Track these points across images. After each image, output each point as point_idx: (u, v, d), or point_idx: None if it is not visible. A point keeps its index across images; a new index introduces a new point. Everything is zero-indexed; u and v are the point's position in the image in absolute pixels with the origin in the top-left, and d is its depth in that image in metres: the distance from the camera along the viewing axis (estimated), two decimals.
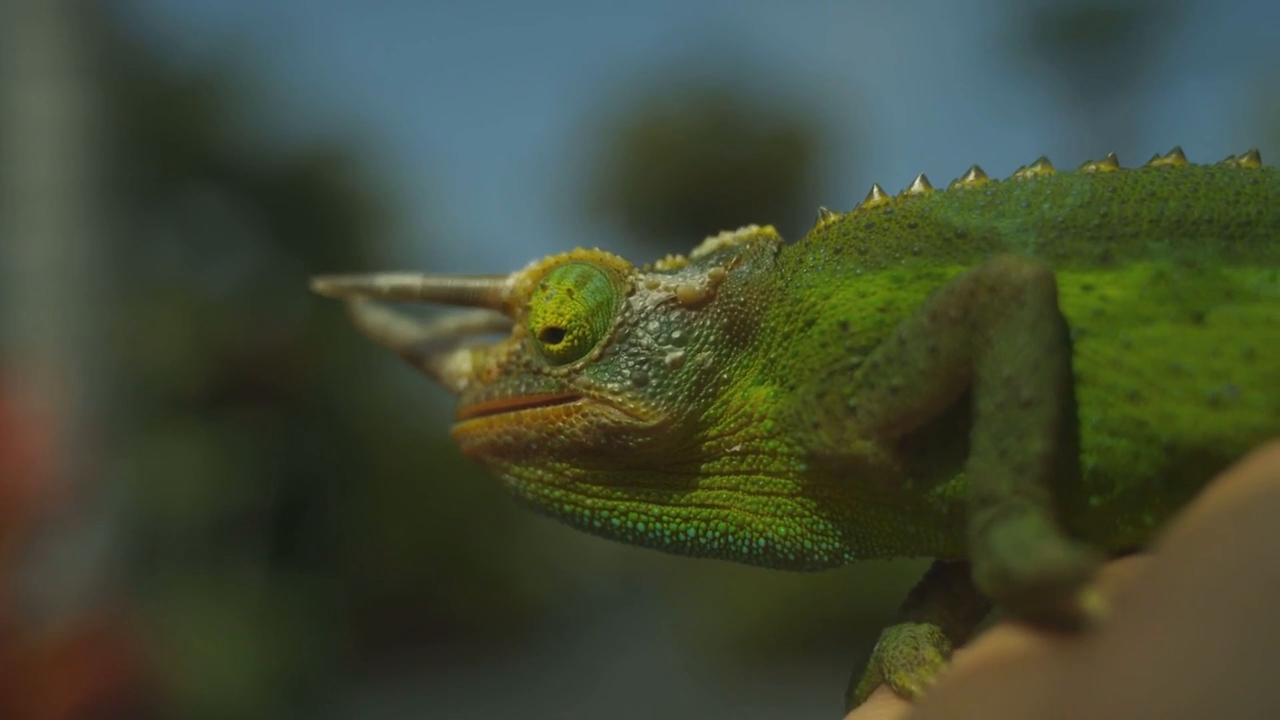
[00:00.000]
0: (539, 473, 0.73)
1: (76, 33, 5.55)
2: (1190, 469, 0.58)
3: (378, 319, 0.82)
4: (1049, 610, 0.51)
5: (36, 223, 5.42)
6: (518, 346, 0.74)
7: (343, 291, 0.81)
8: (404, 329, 0.81)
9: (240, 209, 10.56)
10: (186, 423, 7.93)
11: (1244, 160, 0.66)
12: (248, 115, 10.65)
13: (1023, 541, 0.54)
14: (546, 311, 0.72)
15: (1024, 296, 0.57)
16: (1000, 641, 0.51)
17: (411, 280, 0.78)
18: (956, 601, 0.67)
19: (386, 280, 0.79)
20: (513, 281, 0.75)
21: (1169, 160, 0.67)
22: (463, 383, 0.77)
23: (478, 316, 0.82)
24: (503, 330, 0.81)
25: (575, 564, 16.34)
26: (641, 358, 0.71)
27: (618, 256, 0.74)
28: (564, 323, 0.71)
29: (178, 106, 9.59)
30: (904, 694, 0.61)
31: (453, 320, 0.82)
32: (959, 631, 0.68)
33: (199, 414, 8.23)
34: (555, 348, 0.72)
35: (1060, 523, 0.56)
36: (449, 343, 0.80)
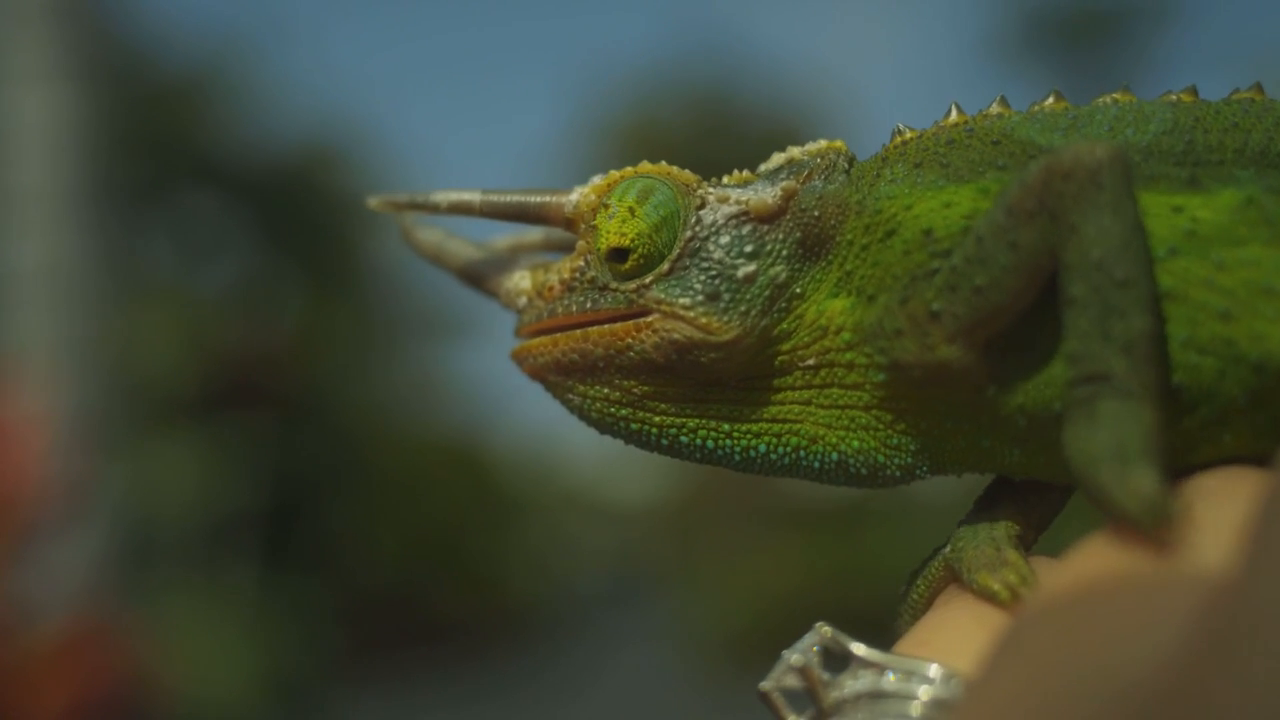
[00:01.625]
0: (605, 391, 0.71)
1: (68, 35, 5.54)
2: (1275, 389, 0.59)
3: (431, 236, 0.79)
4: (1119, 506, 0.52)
5: (28, 225, 5.41)
6: (581, 263, 0.72)
7: (397, 207, 0.78)
8: (458, 246, 0.78)
9: (233, 210, 10.55)
10: (179, 425, 7.92)
11: None
12: (240, 117, 10.64)
13: (1126, 446, 0.54)
14: (609, 231, 0.71)
15: (1101, 178, 0.56)
16: (1123, 555, 0.50)
17: (470, 196, 0.76)
18: (1028, 509, 0.66)
19: (444, 196, 0.76)
20: (576, 197, 0.73)
21: (1249, 94, 0.67)
22: (523, 300, 0.74)
23: (533, 234, 0.79)
24: (558, 249, 0.79)
25: (568, 564, 16.34)
26: (713, 272, 0.69)
27: (685, 170, 0.73)
28: (628, 241, 0.70)
29: (170, 108, 9.58)
30: (987, 595, 0.59)
31: (506, 239, 0.80)
32: (1029, 538, 0.67)
33: (192, 416, 8.23)
34: (622, 267, 0.70)
35: (1162, 427, 0.56)
36: (505, 261, 0.78)
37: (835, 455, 0.69)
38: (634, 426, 0.71)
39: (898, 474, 0.68)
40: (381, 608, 10.62)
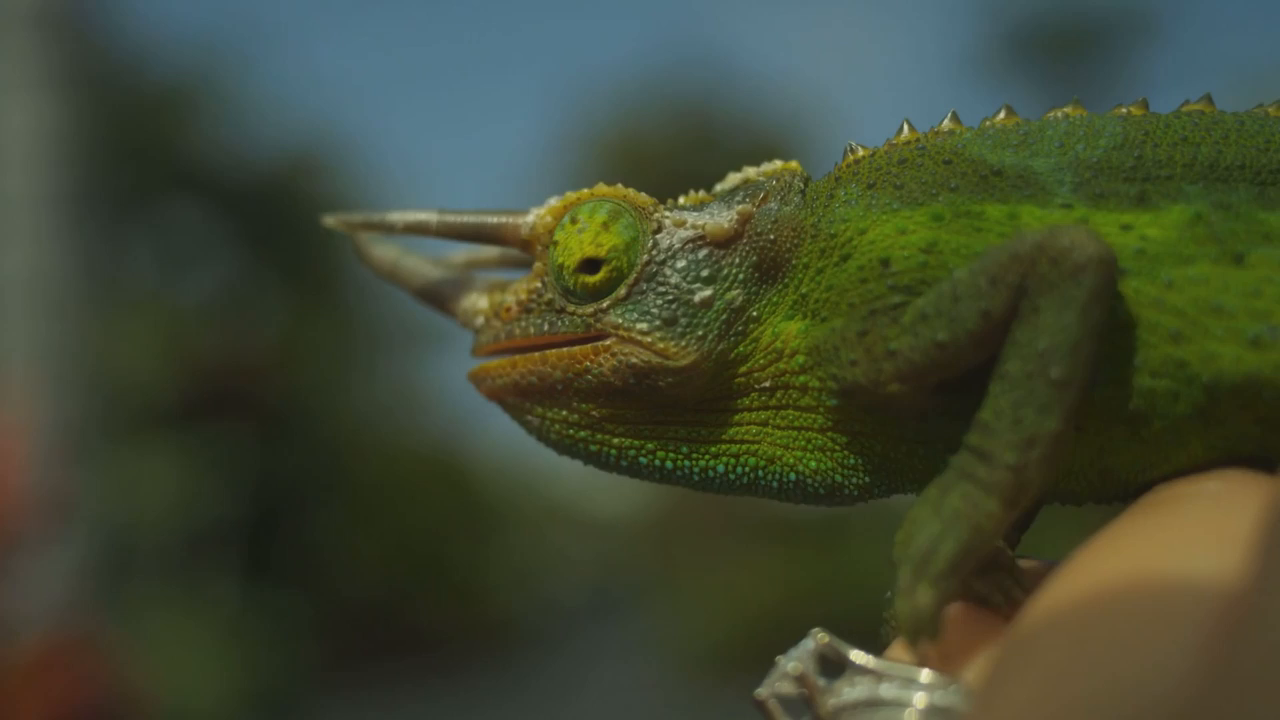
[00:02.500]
0: (564, 413, 0.71)
1: (52, 45, 5.53)
2: (1226, 409, 0.59)
3: (386, 253, 0.79)
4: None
5: (10, 234, 5.39)
6: (539, 284, 0.72)
7: (353, 227, 0.78)
8: (414, 264, 0.78)
9: (215, 220, 10.52)
10: (159, 435, 7.88)
11: (1272, 109, 0.66)
12: (222, 126, 10.62)
13: (933, 559, 0.55)
14: (583, 243, 0.71)
15: (1083, 276, 0.56)
16: (1132, 561, 0.50)
17: (426, 216, 0.76)
18: None
19: (400, 216, 0.76)
20: (533, 218, 0.73)
21: (1198, 106, 0.67)
22: (479, 320, 0.75)
23: (488, 251, 0.79)
24: (514, 266, 0.79)
25: (550, 575, 16.30)
26: (670, 297, 0.69)
27: (641, 193, 0.73)
28: (603, 252, 0.70)
29: (152, 117, 9.55)
30: (983, 600, 0.59)
31: (461, 254, 0.80)
32: (1013, 538, 0.68)
33: (172, 426, 8.19)
34: (592, 279, 0.70)
35: (999, 532, 0.56)
36: (461, 279, 0.78)
37: (793, 475, 0.69)
38: (593, 448, 0.71)
39: (855, 493, 0.69)
40: (362, 618, 10.57)
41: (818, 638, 0.58)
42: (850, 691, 0.55)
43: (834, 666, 0.57)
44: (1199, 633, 0.44)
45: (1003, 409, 0.56)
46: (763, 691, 0.58)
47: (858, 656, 0.56)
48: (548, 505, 17.43)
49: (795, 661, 0.58)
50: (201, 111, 10.43)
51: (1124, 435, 0.60)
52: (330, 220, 0.79)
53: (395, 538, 11.40)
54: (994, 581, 0.59)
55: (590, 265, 0.70)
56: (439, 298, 0.77)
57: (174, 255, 10.15)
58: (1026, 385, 0.56)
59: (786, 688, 0.58)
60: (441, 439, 13.49)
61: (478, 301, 0.75)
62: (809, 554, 11.19)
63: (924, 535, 0.56)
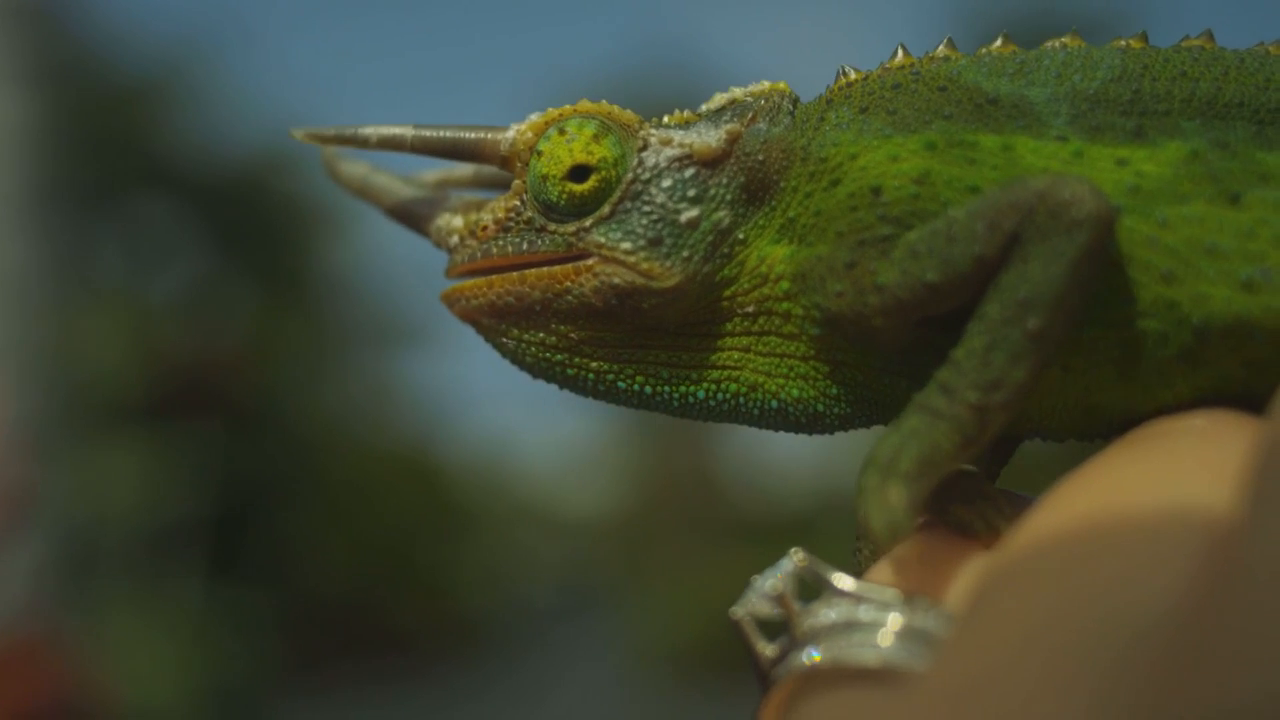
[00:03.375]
0: (541, 335, 0.69)
1: (18, 38, 5.47)
2: (1214, 351, 0.58)
3: (355, 170, 0.76)
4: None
5: None
6: (517, 202, 0.70)
7: (324, 140, 0.75)
8: (385, 181, 0.76)
9: (185, 215, 10.44)
10: (125, 431, 7.82)
11: (1273, 47, 0.65)
12: (193, 121, 10.54)
13: (897, 459, 0.55)
14: (573, 150, 0.68)
15: (1078, 231, 0.55)
16: (1119, 493, 0.50)
17: (402, 130, 0.73)
18: (985, 456, 0.66)
19: (375, 130, 0.73)
20: (513, 133, 0.71)
21: (1199, 41, 0.66)
22: (454, 239, 0.72)
23: (462, 170, 0.77)
24: (489, 187, 0.77)
25: (521, 575, 16.27)
26: (655, 216, 0.68)
27: (627, 110, 0.71)
28: (594, 160, 0.68)
29: (122, 112, 9.48)
30: (964, 528, 0.58)
31: (434, 173, 0.77)
32: (993, 470, 0.68)
33: (139, 423, 8.12)
34: (579, 188, 0.68)
35: (956, 458, 0.56)
36: (434, 198, 0.75)
37: (774, 403, 0.68)
38: (570, 371, 0.70)
39: (837, 423, 0.68)
40: (331, 618, 10.52)
41: (796, 558, 0.56)
42: (827, 613, 0.53)
43: (812, 588, 0.56)
44: (1191, 561, 0.44)
45: (974, 349, 0.56)
46: (738, 610, 0.57)
47: (837, 579, 0.55)
48: (518, 505, 17.41)
49: (773, 581, 0.56)
50: (172, 106, 10.35)
51: (1111, 375, 0.60)
52: (299, 133, 0.75)
53: (365, 536, 11.35)
54: (976, 510, 0.58)
55: (579, 173, 0.68)
56: (412, 216, 0.75)
57: (143, 251, 10.07)
58: (1002, 330, 0.56)
59: (763, 608, 0.56)
60: (412, 437, 13.45)
61: (452, 220, 0.73)
62: (778, 555, 11.21)
63: (886, 445, 0.56)
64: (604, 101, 0.71)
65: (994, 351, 0.55)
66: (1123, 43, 0.66)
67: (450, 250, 0.72)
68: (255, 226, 10.57)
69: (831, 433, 0.69)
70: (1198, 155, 0.60)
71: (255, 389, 9.86)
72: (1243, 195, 0.59)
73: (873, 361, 0.65)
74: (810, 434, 0.69)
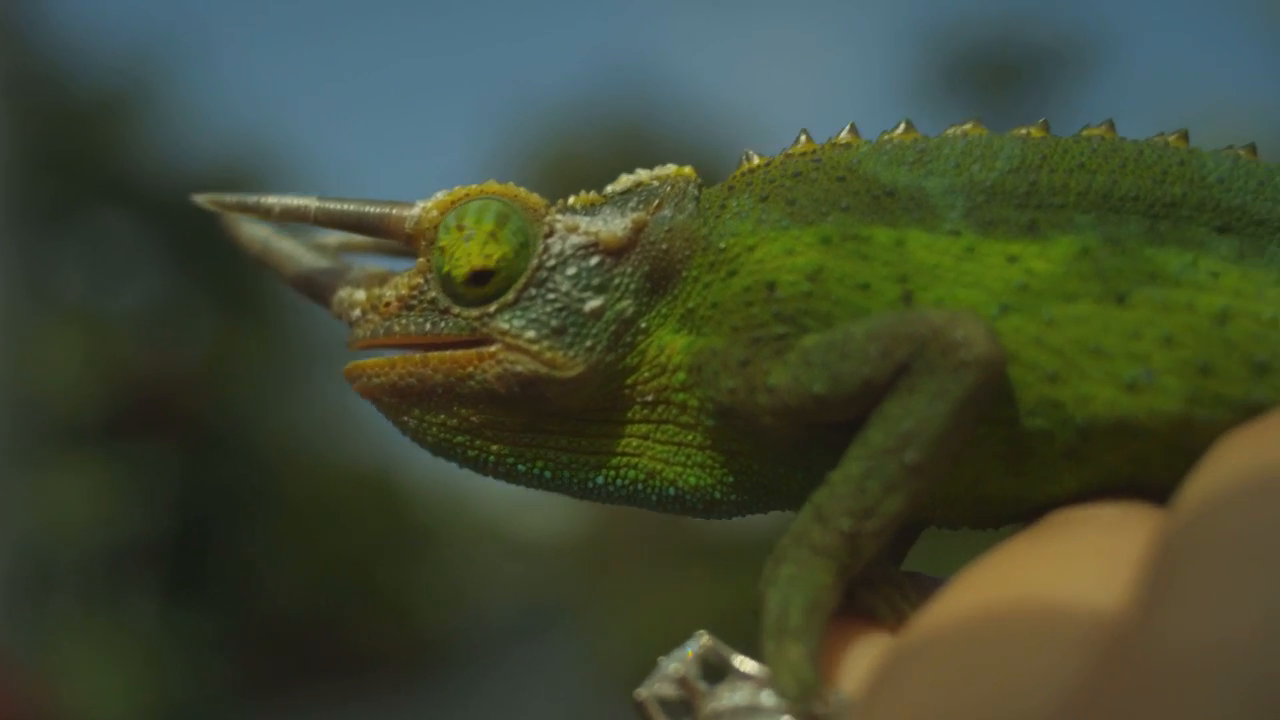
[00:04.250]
0: (443, 417, 0.69)
1: None
2: (1098, 449, 0.59)
3: (256, 234, 0.75)
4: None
5: None
6: (421, 280, 0.69)
7: (224, 208, 0.74)
8: (286, 247, 0.75)
9: (145, 232, 10.36)
10: (81, 450, 7.73)
11: (1173, 139, 0.65)
12: (154, 137, 10.47)
13: (785, 619, 0.55)
14: (471, 253, 0.68)
15: (966, 374, 0.56)
16: (1021, 581, 0.51)
17: (305, 202, 0.72)
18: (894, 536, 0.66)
19: (277, 200, 0.73)
20: (418, 211, 0.70)
21: (1099, 131, 0.66)
22: (356, 312, 0.71)
23: (363, 236, 0.75)
24: (390, 254, 0.76)
25: (482, 594, 16.19)
26: (559, 304, 0.67)
27: (533, 194, 0.70)
28: (492, 263, 0.67)
29: (82, 128, 9.40)
30: (870, 612, 0.59)
31: (334, 237, 0.76)
32: (899, 551, 0.68)
33: (95, 441, 8.03)
34: (483, 291, 0.68)
35: (838, 588, 0.57)
36: (336, 267, 0.74)
37: (672, 490, 0.68)
38: (470, 453, 0.70)
39: (733, 509, 0.68)
40: (290, 639, 10.42)
41: (701, 640, 0.57)
42: (730, 696, 0.54)
43: (716, 671, 0.56)
44: (1074, 653, 0.45)
45: (851, 474, 0.57)
46: (643, 692, 0.57)
47: (740, 662, 0.56)
48: (479, 524, 17.32)
49: (677, 664, 0.57)
50: (133, 122, 10.28)
51: (999, 469, 0.60)
52: (201, 199, 0.74)
53: (325, 556, 11.26)
54: (881, 595, 0.59)
55: (480, 278, 0.68)
56: (313, 286, 0.74)
57: (101, 266, 9.98)
58: (881, 459, 0.56)
59: (667, 689, 0.57)
60: (372, 456, 13.37)
61: (354, 293, 0.72)
62: (739, 576, 11.22)
63: (772, 604, 0.56)
64: (511, 184, 0.70)
65: (870, 480, 0.56)
66: (1024, 131, 0.66)
67: (351, 323, 0.72)
68: (215, 243, 10.42)
69: (729, 518, 0.70)
70: (1088, 252, 0.60)
71: (214, 407, 9.78)
72: (1129, 294, 0.59)
73: (767, 453, 0.65)
74: (707, 518, 0.70)
